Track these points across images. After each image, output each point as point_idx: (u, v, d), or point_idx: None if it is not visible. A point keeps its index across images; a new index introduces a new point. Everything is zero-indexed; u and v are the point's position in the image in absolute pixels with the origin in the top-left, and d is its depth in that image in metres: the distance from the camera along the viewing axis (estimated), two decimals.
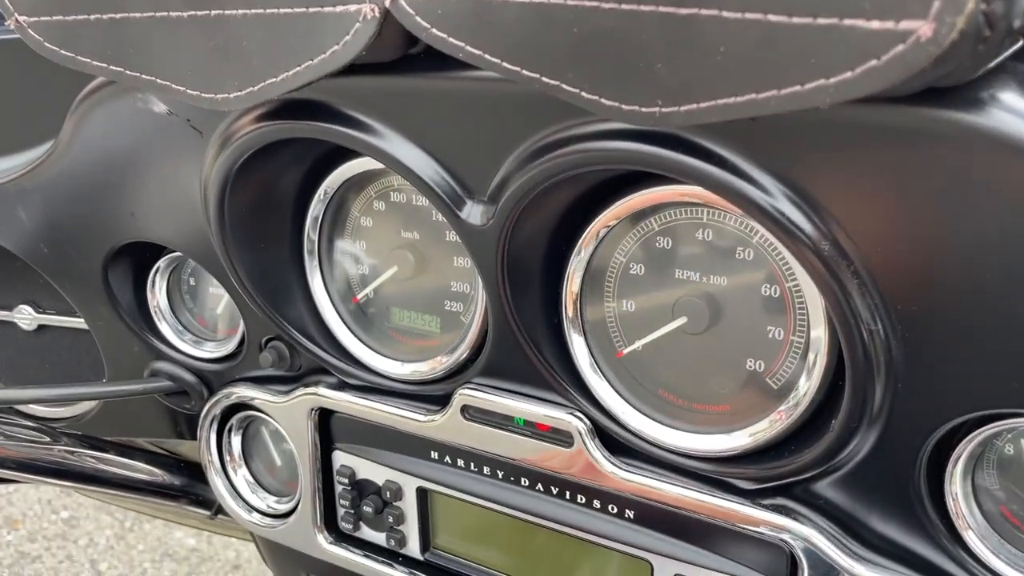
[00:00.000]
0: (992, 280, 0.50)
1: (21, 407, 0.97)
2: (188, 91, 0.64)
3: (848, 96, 0.40)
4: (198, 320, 0.94)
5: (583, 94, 0.49)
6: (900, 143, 0.48)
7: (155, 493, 0.94)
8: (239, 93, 0.62)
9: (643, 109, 0.48)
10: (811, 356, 0.61)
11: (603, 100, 0.49)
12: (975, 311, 0.51)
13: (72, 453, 0.86)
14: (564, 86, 0.50)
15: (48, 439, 0.84)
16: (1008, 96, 0.45)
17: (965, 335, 0.52)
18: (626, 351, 0.71)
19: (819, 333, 0.60)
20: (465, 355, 0.77)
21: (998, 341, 0.51)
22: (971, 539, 0.58)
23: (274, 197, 0.77)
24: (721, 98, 0.44)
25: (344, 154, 0.75)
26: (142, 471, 0.93)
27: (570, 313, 0.70)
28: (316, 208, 0.79)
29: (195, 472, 0.98)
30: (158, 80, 0.65)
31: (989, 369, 0.52)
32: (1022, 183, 0.46)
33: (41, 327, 1.01)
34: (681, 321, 0.66)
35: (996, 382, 0.52)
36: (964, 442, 0.56)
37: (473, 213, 0.65)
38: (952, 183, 0.48)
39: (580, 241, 0.67)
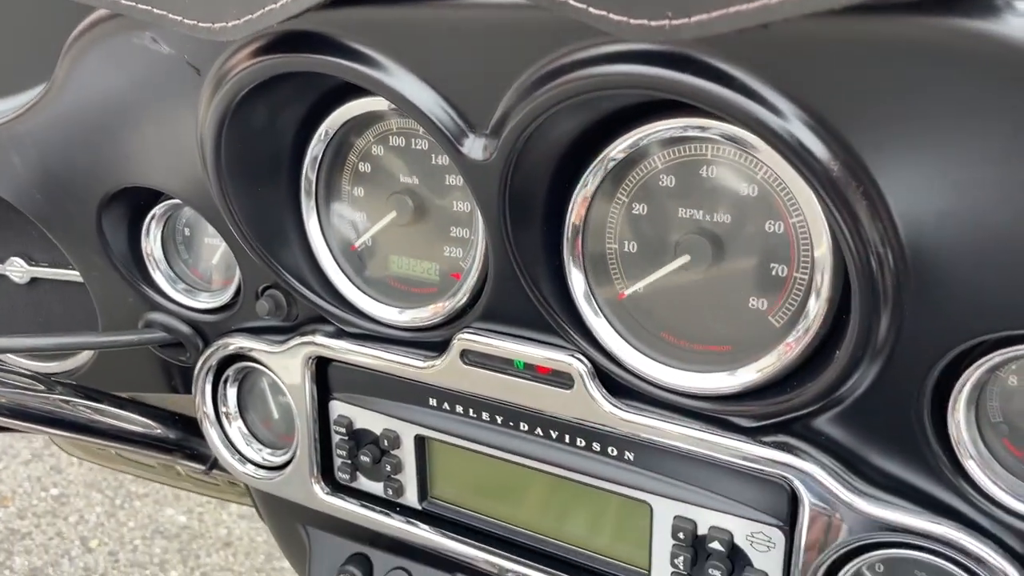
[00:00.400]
0: (1002, 202, 0.49)
1: (15, 362, 0.96)
2: (185, 20, 0.63)
3: None
4: (193, 271, 0.93)
5: (590, 9, 0.49)
6: (912, 56, 0.47)
7: (150, 446, 0.93)
8: (237, 22, 0.61)
9: (652, 23, 0.47)
10: (817, 286, 0.61)
11: (611, 15, 0.48)
12: (984, 234, 0.51)
13: (67, 403, 0.86)
14: (571, 2, 0.49)
15: (43, 388, 0.83)
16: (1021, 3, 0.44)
17: (974, 259, 0.52)
18: (628, 292, 0.70)
19: (824, 265, 0.60)
20: (464, 300, 0.76)
21: (1006, 263, 0.51)
22: (972, 468, 0.58)
23: (272, 137, 0.76)
24: (733, 5, 0.43)
25: (344, 94, 0.74)
26: (137, 423, 0.92)
27: (571, 252, 0.69)
28: (316, 148, 0.78)
29: (190, 427, 0.97)
30: (155, 9, 0.64)
31: (996, 290, 0.51)
32: None
33: (34, 280, 1.00)
34: (684, 260, 0.65)
35: (1002, 304, 0.52)
36: (970, 369, 0.56)
37: (475, 148, 0.64)
38: (965, 96, 0.47)
39: (583, 177, 0.67)
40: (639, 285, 0.69)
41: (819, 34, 0.49)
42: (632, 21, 0.47)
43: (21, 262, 0.99)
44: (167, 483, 1.37)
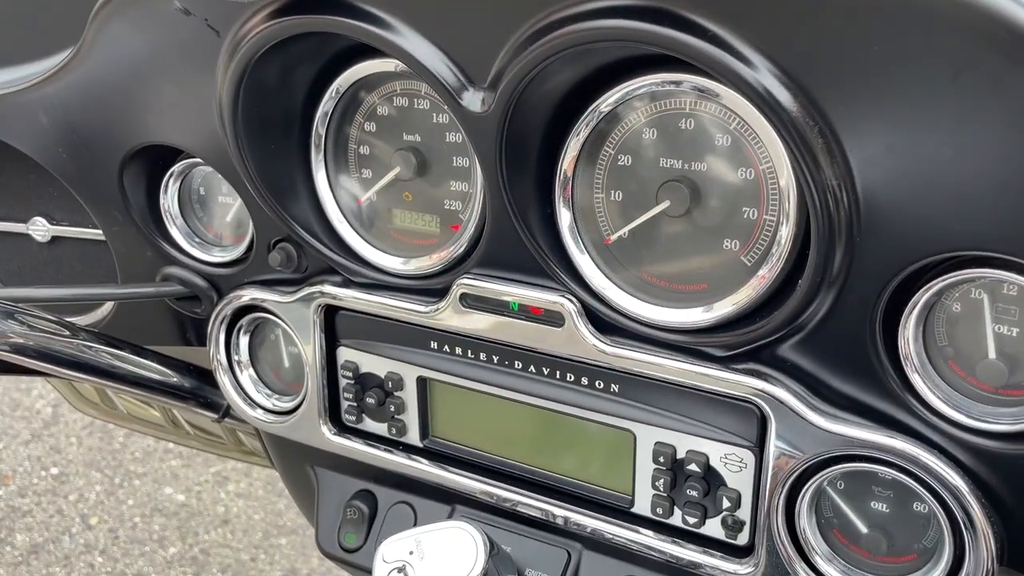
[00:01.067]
0: (943, 142, 0.56)
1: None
2: None
3: None
4: (207, 228, 0.99)
5: None
6: (862, 10, 0.54)
7: (166, 393, 0.99)
8: None
9: None
10: (782, 226, 0.67)
11: None
12: (926, 171, 0.57)
13: (90, 348, 0.92)
14: None
15: (68, 333, 0.89)
16: None
17: (916, 193, 0.58)
18: (613, 237, 0.77)
19: (789, 206, 0.67)
20: (463, 248, 0.83)
21: (942, 196, 0.57)
22: (917, 381, 0.65)
23: (285, 96, 0.82)
24: None
25: (353, 55, 0.80)
26: (154, 371, 0.98)
27: (562, 199, 0.76)
28: (326, 105, 0.84)
29: (204, 377, 1.03)
30: None
31: (934, 220, 0.58)
32: (976, 41, 0.52)
33: (55, 239, 1.06)
34: (664, 205, 0.72)
35: (939, 231, 0.58)
36: (918, 294, 0.63)
37: (474, 101, 0.70)
38: (909, 46, 0.54)
39: (574, 129, 0.73)
40: (624, 230, 0.76)
41: None
42: None
43: (43, 221, 1.05)
44: (175, 440, 1.43)
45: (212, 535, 3.05)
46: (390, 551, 0.78)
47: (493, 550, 0.79)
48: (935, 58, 0.54)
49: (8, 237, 1.08)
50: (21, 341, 0.85)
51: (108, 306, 1.04)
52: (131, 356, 0.96)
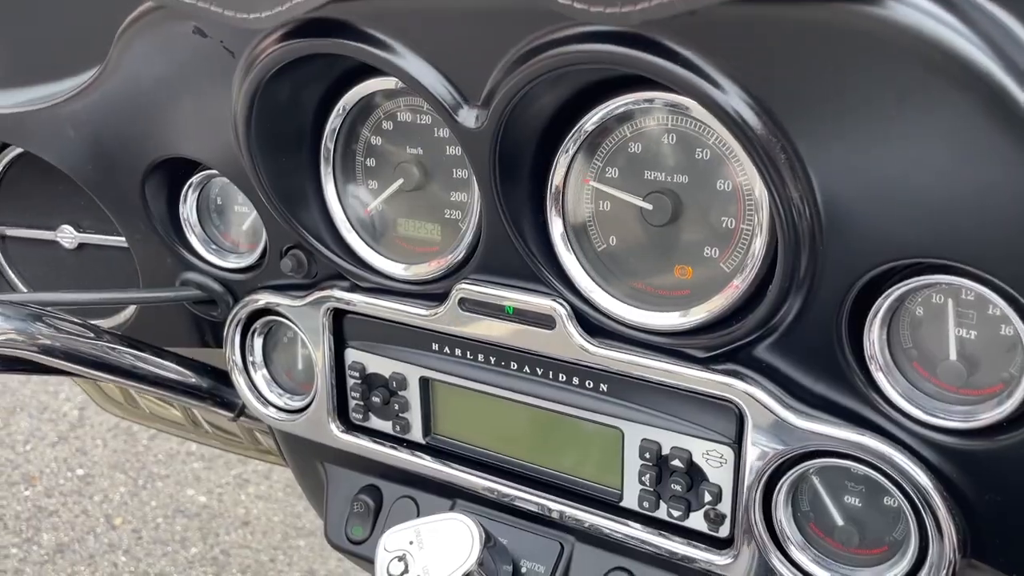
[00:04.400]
0: (894, 158, 0.60)
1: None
2: (224, 12, 0.75)
3: None
4: (224, 236, 1.05)
5: None
6: (817, 36, 0.58)
7: (185, 392, 1.05)
8: (269, 12, 0.73)
9: (607, 10, 0.58)
10: (757, 235, 0.72)
11: (575, 3, 0.60)
12: (880, 185, 0.62)
13: (113, 350, 0.97)
14: None
15: (92, 335, 0.95)
16: None
17: (872, 205, 0.63)
18: (602, 247, 0.81)
19: (763, 217, 0.71)
20: (462, 255, 0.87)
21: (896, 208, 0.62)
22: (881, 379, 0.69)
23: (296, 112, 0.87)
24: None
25: (359, 74, 0.86)
26: (174, 371, 1.04)
27: (553, 210, 0.81)
28: (334, 122, 0.89)
29: (220, 377, 1.09)
30: (198, 3, 0.76)
31: (889, 229, 0.62)
32: (917, 65, 0.56)
33: (81, 246, 1.12)
34: (648, 207, 0.76)
35: (895, 239, 0.63)
36: (880, 299, 0.67)
37: (469, 117, 0.75)
38: (860, 69, 0.58)
39: (563, 144, 0.78)
40: (611, 239, 0.81)
41: (741, 18, 0.60)
42: (591, 8, 0.59)
43: (71, 229, 1.12)
44: (195, 439, 1.49)
45: (233, 536, 3.11)
46: (391, 541, 0.83)
47: (489, 542, 0.84)
48: (882, 82, 0.58)
49: (38, 244, 1.14)
50: (49, 342, 0.91)
51: (131, 309, 1.10)
52: (152, 357, 1.01)
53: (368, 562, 0.94)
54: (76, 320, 0.94)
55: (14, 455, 3.53)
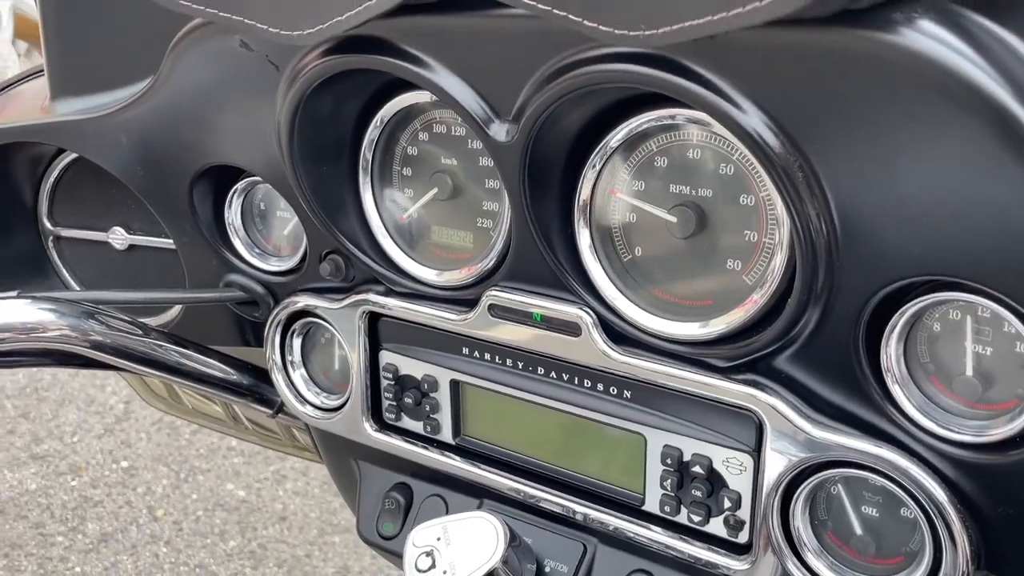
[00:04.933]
0: (907, 178, 0.62)
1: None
2: (269, 28, 0.79)
3: (776, 14, 0.52)
4: (266, 240, 1.09)
5: (584, 22, 0.63)
6: (833, 60, 0.60)
7: (227, 389, 1.09)
8: (312, 29, 0.77)
9: (631, 33, 0.61)
10: (778, 249, 0.74)
11: (600, 26, 0.62)
12: (894, 204, 0.63)
13: (160, 347, 1.02)
14: (570, 16, 0.63)
15: (140, 332, 1.00)
16: (920, 19, 0.57)
17: (887, 223, 0.64)
18: (628, 258, 0.84)
19: (784, 231, 0.73)
20: (492, 263, 0.90)
21: (909, 226, 0.63)
22: (897, 392, 0.70)
23: (336, 123, 0.91)
24: (686, 20, 0.57)
25: (397, 87, 0.89)
26: (217, 368, 1.08)
27: (581, 222, 0.83)
28: (372, 132, 0.93)
29: (260, 375, 1.13)
30: (245, 20, 0.80)
31: (904, 246, 0.64)
32: (929, 90, 0.58)
33: (131, 247, 1.17)
34: (672, 219, 0.79)
35: (909, 256, 0.64)
36: (896, 315, 0.69)
37: (500, 132, 0.78)
38: (875, 93, 0.60)
39: (591, 158, 0.81)
40: (637, 250, 0.83)
41: (761, 42, 0.62)
42: (616, 31, 0.61)
43: (122, 231, 1.17)
44: (235, 435, 1.54)
45: (270, 531, 3.18)
46: (420, 537, 0.86)
47: (514, 540, 0.87)
48: (895, 105, 0.60)
49: (90, 245, 1.20)
50: (100, 339, 0.96)
51: (177, 309, 1.15)
52: (196, 355, 1.06)
53: (398, 557, 0.98)
54: (126, 318, 0.99)
55: (62, 446, 3.64)
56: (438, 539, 0.85)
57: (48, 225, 1.20)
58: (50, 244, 1.21)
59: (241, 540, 3.10)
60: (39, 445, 3.60)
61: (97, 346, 0.95)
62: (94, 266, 1.21)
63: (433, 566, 0.84)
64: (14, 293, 0.93)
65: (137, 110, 0.99)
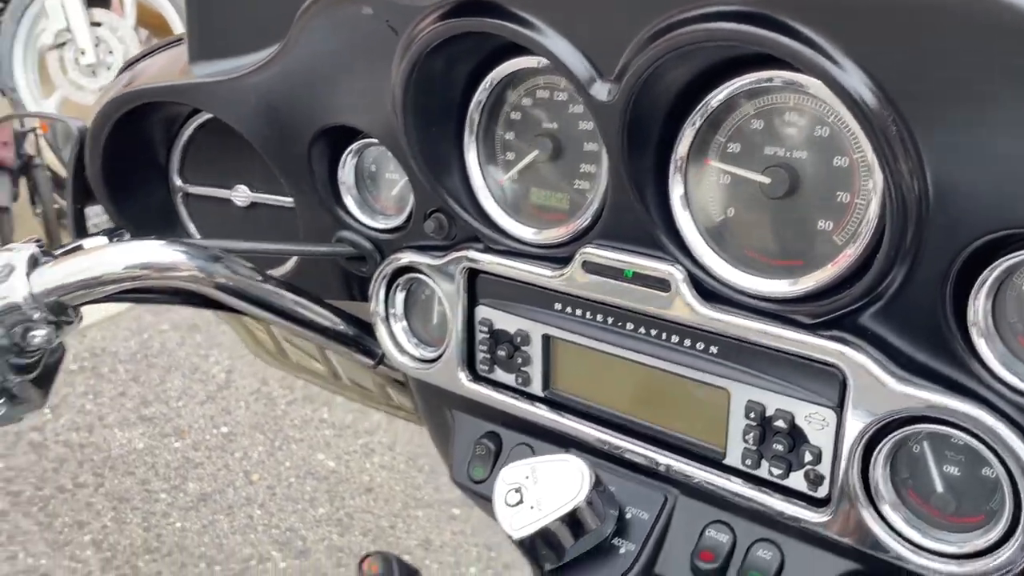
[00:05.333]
0: (1003, 135, 0.64)
1: None
2: None
3: None
4: (375, 200, 1.17)
5: None
6: (929, 18, 0.63)
7: (334, 337, 1.17)
8: None
9: None
10: (869, 209, 0.76)
11: None
12: (986, 164, 0.65)
13: (277, 293, 1.10)
14: None
15: (260, 278, 1.08)
16: None
17: (977, 182, 0.66)
18: (720, 218, 0.87)
19: (876, 192, 0.75)
20: (587, 222, 0.95)
21: (1002, 185, 0.65)
22: (982, 346, 0.72)
23: (447, 86, 0.97)
24: None
25: (506, 52, 0.95)
26: (326, 318, 1.16)
27: (676, 181, 0.87)
28: (480, 95, 0.99)
29: (364, 328, 1.20)
30: None
31: (995, 201, 0.66)
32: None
33: (253, 204, 1.27)
34: (765, 180, 0.82)
35: (1000, 211, 0.66)
36: (986, 271, 0.70)
37: (601, 91, 0.83)
38: (969, 49, 0.62)
39: (688, 119, 0.84)
40: (729, 210, 0.86)
41: (862, 1, 0.65)
42: None
43: (245, 189, 1.26)
44: (334, 390, 1.63)
45: (357, 501, 3.30)
46: (510, 474, 0.91)
47: (599, 486, 0.91)
48: (993, 65, 0.62)
49: (215, 201, 1.30)
50: (224, 281, 1.04)
51: (291, 263, 1.24)
52: (308, 303, 1.14)
53: (486, 500, 1.03)
54: (248, 265, 1.07)
55: (167, 410, 3.85)
56: (526, 477, 0.90)
57: (178, 182, 1.31)
58: (179, 200, 1.32)
59: (329, 508, 3.23)
60: (147, 408, 3.82)
61: (221, 287, 1.04)
62: (217, 221, 1.31)
63: (521, 501, 0.89)
64: (152, 236, 1.02)
65: (266, 73, 1.08)
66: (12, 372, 0.98)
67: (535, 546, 0.88)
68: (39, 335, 0.97)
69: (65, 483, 3.45)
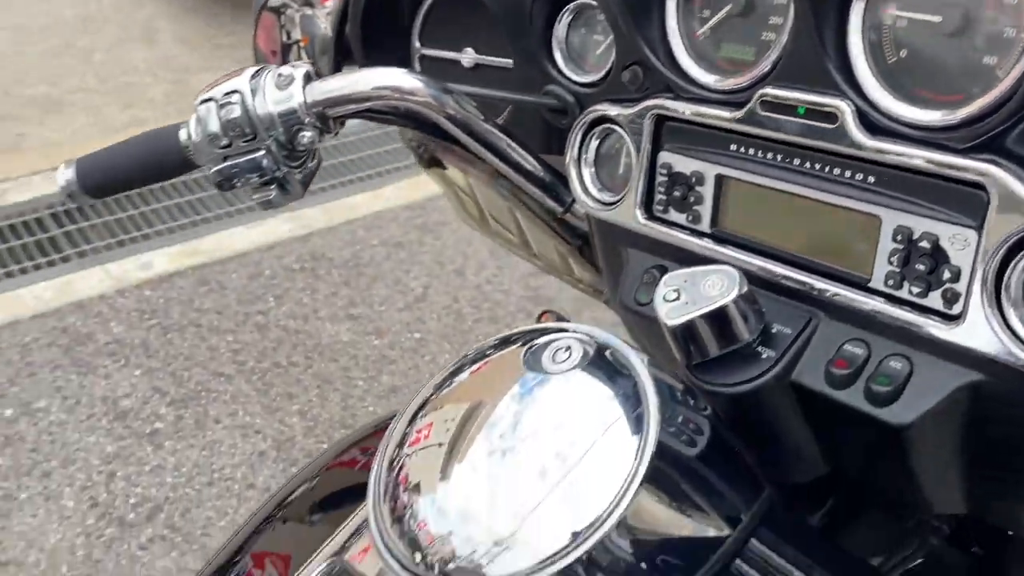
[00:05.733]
0: None
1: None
2: None
3: None
4: (580, 59, 1.33)
5: None
6: None
7: (532, 179, 1.35)
8: None
9: None
10: None
11: None
12: None
13: (492, 132, 1.29)
14: None
15: (481, 117, 1.28)
16: None
17: None
18: (893, 59, 0.96)
19: None
20: (768, 68, 1.06)
21: None
22: None
23: None
24: None
25: None
26: (528, 161, 1.34)
27: (854, 21, 0.97)
28: None
29: (558, 177, 1.37)
30: None
31: None
32: None
33: (476, 66, 1.47)
34: (936, 18, 0.90)
35: None
36: None
37: None
38: None
39: None
40: (902, 52, 0.95)
41: None
42: None
43: (471, 51, 1.46)
44: (523, 256, 1.82)
45: None
46: (670, 279, 1.05)
47: (750, 297, 1.03)
48: None
49: (444, 63, 1.51)
50: (452, 112, 1.24)
51: (504, 114, 1.43)
52: (515, 146, 1.32)
53: (647, 319, 1.17)
54: (472, 103, 1.27)
55: (371, 312, 4.24)
56: (684, 281, 1.03)
57: (417, 44, 1.53)
58: (416, 60, 1.54)
59: None
60: (354, 308, 4.24)
61: (449, 118, 1.24)
62: (444, 79, 1.52)
63: (677, 298, 1.02)
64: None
65: None
66: (285, 164, 1.23)
67: (687, 336, 1.02)
68: (307, 136, 1.21)
69: (281, 360, 3.93)
